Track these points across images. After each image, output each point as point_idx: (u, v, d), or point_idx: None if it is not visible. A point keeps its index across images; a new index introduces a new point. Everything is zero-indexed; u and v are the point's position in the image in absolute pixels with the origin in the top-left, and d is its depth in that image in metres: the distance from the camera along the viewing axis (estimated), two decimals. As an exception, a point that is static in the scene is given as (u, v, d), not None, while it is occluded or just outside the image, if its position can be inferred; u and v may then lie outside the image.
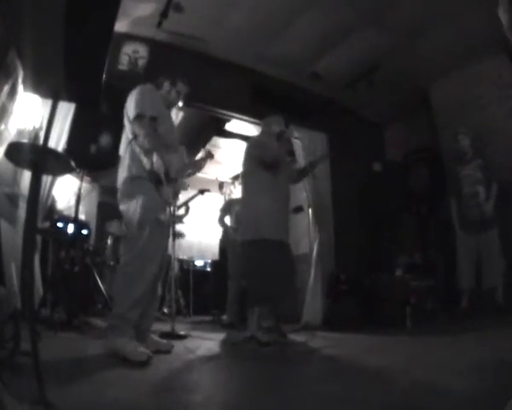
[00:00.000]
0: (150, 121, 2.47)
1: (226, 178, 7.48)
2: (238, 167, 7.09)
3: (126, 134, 2.63)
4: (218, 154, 6.28)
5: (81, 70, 1.64)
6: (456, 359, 2.13)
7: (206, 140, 5.74)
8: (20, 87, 2.45)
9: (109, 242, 5.24)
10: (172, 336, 3.26)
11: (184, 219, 5.30)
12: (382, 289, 3.76)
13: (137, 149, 2.50)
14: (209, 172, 7.08)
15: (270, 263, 3.07)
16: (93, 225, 5.53)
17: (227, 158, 6.59)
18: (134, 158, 2.50)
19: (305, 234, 5.19)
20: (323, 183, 4.88)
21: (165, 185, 2.48)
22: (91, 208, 5.61)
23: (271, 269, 3.06)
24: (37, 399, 1.24)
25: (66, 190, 4.51)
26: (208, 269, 6.59)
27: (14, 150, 1.97)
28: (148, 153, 2.45)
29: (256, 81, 4.81)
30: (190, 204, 5.13)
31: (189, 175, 3.73)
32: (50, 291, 3.02)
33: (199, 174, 6.81)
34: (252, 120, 4.87)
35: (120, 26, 3.71)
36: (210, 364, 2.36)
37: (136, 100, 2.51)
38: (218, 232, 7.34)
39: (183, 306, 5.70)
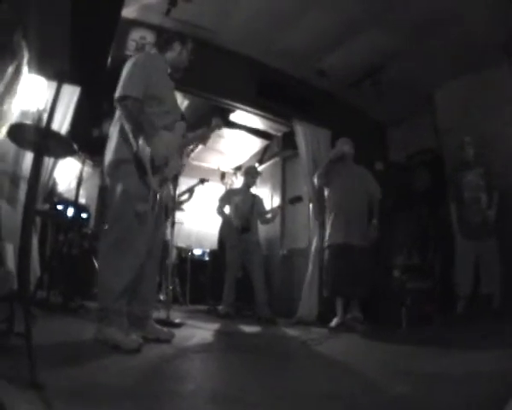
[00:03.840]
0: (134, 103, 2.32)
1: (228, 168, 7.48)
2: (240, 158, 7.15)
3: (118, 110, 2.48)
4: (220, 144, 6.30)
5: (86, 54, 1.64)
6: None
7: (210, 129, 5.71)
8: (25, 68, 2.45)
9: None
10: (167, 323, 3.29)
11: (185, 206, 5.29)
12: (379, 289, 3.76)
13: (126, 130, 2.35)
14: (211, 161, 7.09)
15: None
16: (93, 209, 5.54)
17: (230, 148, 6.57)
18: (122, 138, 2.37)
19: (304, 228, 5.21)
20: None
21: (149, 173, 2.31)
22: (92, 192, 5.61)
23: None
24: (29, 380, 1.26)
25: (67, 173, 4.52)
26: (206, 258, 6.60)
27: (16, 131, 1.97)
28: (134, 136, 2.31)
29: (262, 73, 4.78)
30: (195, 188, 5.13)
31: (195, 147, 3.71)
32: (47, 273, 3.04)
33: (201, 163, 6.87)
34: (256, 112, 4.86)
35: (128, 12, 3.68)
36: (201, 354, 2.37)
37: (122, 78, 2.38)
38: (217, 222, 7.41)
39: (180, 294, 5.73)
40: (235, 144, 6.36)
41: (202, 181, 4.94)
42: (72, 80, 1.76)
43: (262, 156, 6.60)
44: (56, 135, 2.16)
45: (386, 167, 4.93)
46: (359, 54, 4.40)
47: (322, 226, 4.48)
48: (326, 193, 4.25)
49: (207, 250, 6.77)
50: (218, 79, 4.41)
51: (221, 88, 4.47)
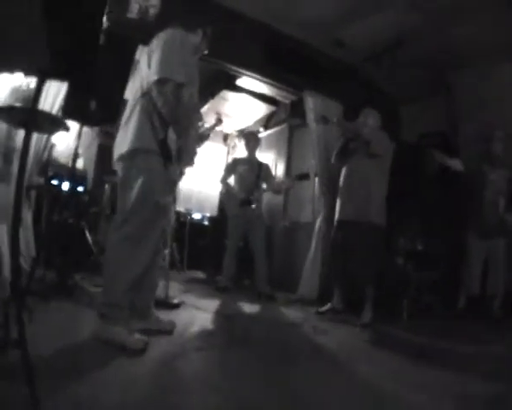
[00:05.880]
0: (176, 88, 2.12)
1: (231, 130, 7.23)
2: (244, 122, 6.88)
3: (139, 85, 2.25)
4: (225, 106, 6.02)
5: (69, 47, 1.41)
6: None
7: (215, 93, 5.44)
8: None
9: (107, 188, 5.07)
10: (166, 304, 3.24)
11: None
12: (381, 278, 3.65)
13: (150, 111, 2.14)
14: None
15: None
16: (91, 170, 5.37)
17: (234, 111, 6.29)
18: (143, 123, 2.15)
19: (309, 202, 5.08)
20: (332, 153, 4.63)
21: (174, 164, 2.24)
22: (91, 152, 5.40)
23: None
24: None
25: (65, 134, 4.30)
26: (206, 223, 6.52)
27: (6, 112, 1.83)
28: (164, 123, 2.15)
29: (274, 40, 4.46)
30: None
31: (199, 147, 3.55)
32: (43, 251, 2.93)
33: (205, 124, 6.61)
34: (265, 79, 4.58)
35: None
36: (202, 354, 2.30)
37: (162, 56, 2.12)
38: (218, 185, 7.25)
39: (178, 260, 5.68)
40: (240, 108, 6.08)
41: (220, 120, 4.59)
42: (56, 75, 1.56)
43: (267, 122, 6.35)
44: (46, 114, 2.01)
45: (397, 147, 4.71)
46: (382, 28, 4.10)
47: (329, 205, 4.32)
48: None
49: (207, 214, 6.67)
50: (227, 43, 4.08)
51: (229, 53, 4.16)
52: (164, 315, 2.88)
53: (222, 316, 3.29)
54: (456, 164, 3.90)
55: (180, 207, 6.20)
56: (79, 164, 4.08)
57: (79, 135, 2.92)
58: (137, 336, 2.12)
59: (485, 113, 4.27)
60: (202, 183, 6.99)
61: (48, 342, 1.87)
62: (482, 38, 3.83)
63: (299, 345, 2.71)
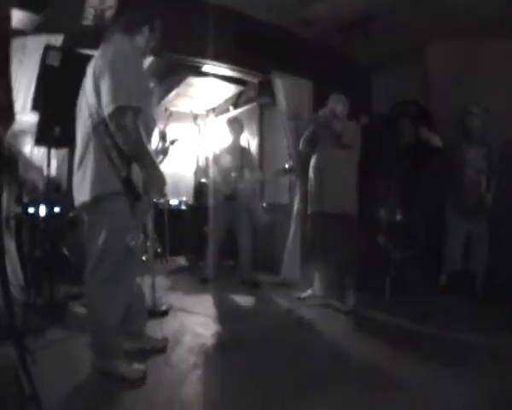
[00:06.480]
0: (135, 116, 1.88)
1: (201, 110, 7.09)
2: (211, 102, 6.74)
3: (87, 114, 1.98)
4: (191, 91, 5.88)
5: None
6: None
7: (181, 80, 5.29)
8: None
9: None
10: (154, 313, 3.29)
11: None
12: (363, 258, 3.77)
13: (107, 147, 1.92)
14: (182, 105, 6.67)
15: None
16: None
17: (201, 94, 6.14)
18: (102, 162, 1.93)
19: (285, 184, 5.14)
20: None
21: (143, 200, 2.07)
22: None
23: None
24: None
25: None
26: (183, 207, 6.50)
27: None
28: (126, 158, 1.94)
29: (239, 25, 4.31)
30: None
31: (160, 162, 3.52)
32: (31, 277, 2.95)
33: (172, 108, 6.47)
34: (233, 66, 4.48)
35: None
36: (197, 372, 2.37)
37: (114, 81, 1.85)
38: (191, 166, 7.20)
39: (160, 251, 5.69)
40: (208, 91, 5.94)
41: (172, 142, 4.55)
42: None
43: (237, 100, 6.25)
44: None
45: (371, 121, 4.73)
46: (350, 2, 3.99)
47: (304, 186, 4.35)
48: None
49: (184, 198, 6.64)
50: (188, 34, 3.93)
51: (190, 45, 3.99)
52: (154, 325, 3.00)
53: (211, 319, 3.37)
54: (436, 140, 3.92)
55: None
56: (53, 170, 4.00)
57: (49, 160, 2.86)
58: (136, 365, 2.19)
59: (461, 86, 4.27)
60: (175, 164, 6.90)
61: (52, 381, 1.94)
62: (462, 9, 3.79)
63: (290, 346, 2.84)
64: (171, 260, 5.84)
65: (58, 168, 3.61)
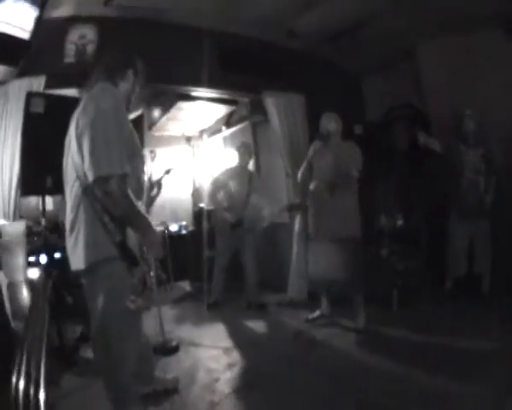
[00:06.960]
0: (121, 183, 1.76)
1: (193, 132, 7.07)
2: (202, 124, 6.70)
3: (75, 175, 1.87)
4: (181, 114, 5.86)
5: None
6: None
7: (170, 106, 5.27)
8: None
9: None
10: (163, 350, 3.23)
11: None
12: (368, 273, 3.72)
13: (98, 211, 1.80)
14: (174, 129, 6.65)
15: None
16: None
17: (191, 117, 6.11)
18: (94, 227, 1.82)
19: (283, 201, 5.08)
20: (302, 148, 4.54)
21: (140, 264, 1.95)
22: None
23: None
24: None
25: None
26: (183, 232, 6.43)
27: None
28: (119, 221, 1.82)
29: (222, 44, 4.27)
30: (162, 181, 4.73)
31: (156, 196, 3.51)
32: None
33: (164, 133, 6.46)
34: (221, 90, 4.47)
35: (63, 10, 3.12)
36: None
37: (96, 146, 1.72)
38: (188, 188, 7.16)
39: (164, 278, 5.62)
40: (198, 113, 5.91)
41: (168, 172, 4.46)
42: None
43: (228, 120, 6.22)
44: None
45: (365, 130, 4.69)
46: (337, 12, 3.93)
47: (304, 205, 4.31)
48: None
49: (183, 223, 6.59)
50: (171, 61, 3.88)
51: (176, 73, 3.95)
52: (164, 364, 2.94)
53: (223, 351, 3.29)
54: (434, 144, 3.88)
55: (157, 222, 6.08)
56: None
57: (43, 209, 2.83)
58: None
59: (454, 84, 4.26)
60: (172, 189, 6.85)
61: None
62: (452, 8, 3.76)
63: (307, 374, 2.78)
64: (175, 287, 5.77)
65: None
